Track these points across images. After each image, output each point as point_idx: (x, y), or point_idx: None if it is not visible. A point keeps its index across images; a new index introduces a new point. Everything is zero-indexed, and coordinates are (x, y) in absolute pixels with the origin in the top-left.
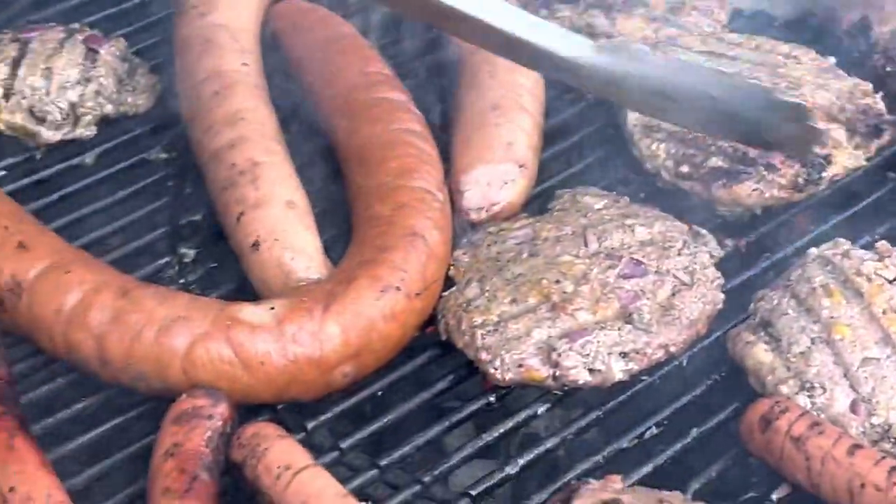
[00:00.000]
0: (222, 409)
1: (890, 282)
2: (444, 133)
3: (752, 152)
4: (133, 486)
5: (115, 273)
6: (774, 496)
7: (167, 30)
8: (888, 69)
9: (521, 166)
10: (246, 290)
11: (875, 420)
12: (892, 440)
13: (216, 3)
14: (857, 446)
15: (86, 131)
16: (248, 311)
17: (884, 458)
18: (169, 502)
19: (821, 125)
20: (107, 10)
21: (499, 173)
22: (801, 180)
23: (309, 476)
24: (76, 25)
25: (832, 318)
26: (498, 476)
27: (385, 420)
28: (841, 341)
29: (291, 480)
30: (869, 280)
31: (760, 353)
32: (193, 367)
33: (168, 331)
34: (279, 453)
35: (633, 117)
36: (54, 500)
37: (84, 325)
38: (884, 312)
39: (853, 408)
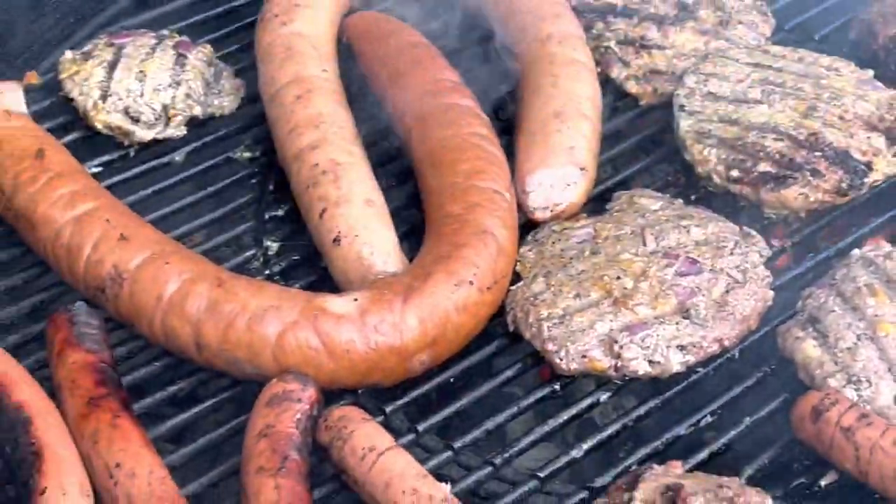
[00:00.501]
0: (311, 393)
1: None
2: (509, 137)
3: (799, 158)
4: (225, 465)
5: (209, 264)
6: (823, 482)
7: (250, 37)
8: None
9: (581, 169)
10: (326, 282)
11: None
12: None
13: (296, 12)
14: None
15: (176, 131)
16: (334, 302)
17: None
18: (263, 480)
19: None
20: (193, 17)
21: (561, 176)
22: (844, 185)
23: (391, 457)
24: (166, 32)
25: (877, 316)
26: (563, 459)
27: (457, 405)
28: (885, 338)
29: (376, 461)
30: None
31: (809, 348)
32: (283, 353)
33: (260, 319)
34: (364, 436)
35: (685, 124)
36: (156, 476)
37: (182, 312)
38: None
39: None
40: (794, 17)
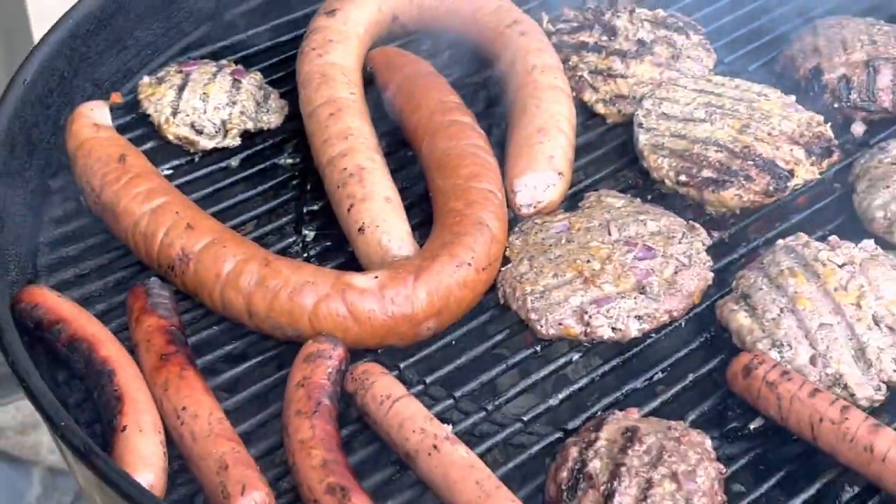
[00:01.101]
0: (339, 352)
1: (840, 266)
2: (500, 148)
3: (735, 166)
4: (270, 409)
5: (258, 248)
6: (752, 426)
7: (291, 66)
8: (835, 106)
9: (559, 174)
10: (353, 263)
11: (828, 371)
12: (842, 386)
13: (330, 47)
14: (817, 390)
15: (232, 141)
16: (358, 279)
17: (837, 399)
18: (301, 421)
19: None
20: (247, 50)
21: (543, 179)
22: (771, 188)
23: (404, 404)
24: (224, 62)
25: (796, 292)
26: (542, 407)
27: (457, 362)
28: (803, 311)
29: (392, 406)
30: (824, 265)
31: (741, 319)
32: (318, 319)
33: (299, 292)
34: (382, 386)
35: (643, 138)
36: (214, 418)
37: (236, 286)
38: (835, 289)
39: (812, 361)
40: (732, 53)
